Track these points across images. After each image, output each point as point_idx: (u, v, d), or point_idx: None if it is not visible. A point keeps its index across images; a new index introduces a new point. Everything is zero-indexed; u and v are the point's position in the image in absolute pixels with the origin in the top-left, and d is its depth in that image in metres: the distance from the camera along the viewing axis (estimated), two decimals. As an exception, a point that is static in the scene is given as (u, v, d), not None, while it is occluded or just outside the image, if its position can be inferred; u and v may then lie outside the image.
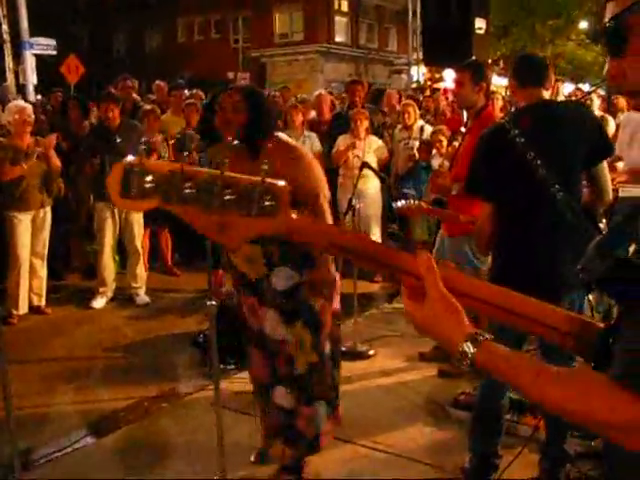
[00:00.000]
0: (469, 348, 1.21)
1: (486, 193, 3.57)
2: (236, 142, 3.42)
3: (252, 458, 3.90)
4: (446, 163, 5.32)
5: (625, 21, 1.16)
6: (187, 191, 1.26)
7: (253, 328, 3.63)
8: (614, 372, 1.07)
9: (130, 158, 1.28)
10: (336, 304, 3.57)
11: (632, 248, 1.21)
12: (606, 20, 1.20)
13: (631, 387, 1.05)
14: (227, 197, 1.27)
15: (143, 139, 7.17)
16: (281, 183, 1.30)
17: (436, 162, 7.05)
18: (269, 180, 1.28)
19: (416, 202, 4.71)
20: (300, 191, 3.38)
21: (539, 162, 3.27)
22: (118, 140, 6.85)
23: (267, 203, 1.28)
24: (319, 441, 3.63)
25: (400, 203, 4.68)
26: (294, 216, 1.31)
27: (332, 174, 7.71)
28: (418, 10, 25.98)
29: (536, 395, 1.19)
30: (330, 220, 3.49)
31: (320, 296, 3.48)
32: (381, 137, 8.17)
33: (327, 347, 3.54)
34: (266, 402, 3.69)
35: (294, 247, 3.29)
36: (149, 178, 1.27)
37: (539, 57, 3.86)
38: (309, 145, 7.69)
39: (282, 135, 3.56)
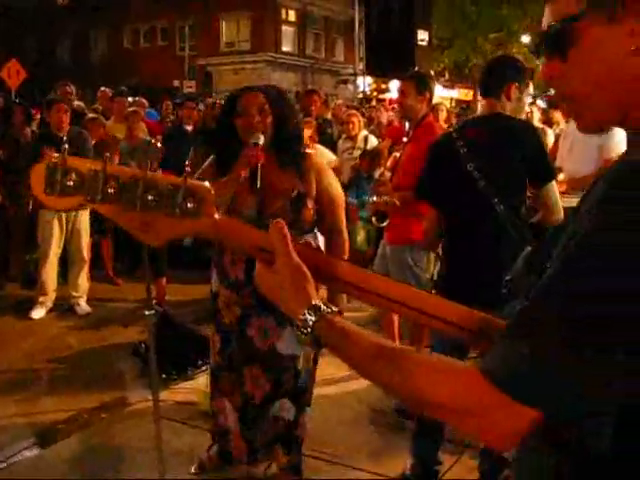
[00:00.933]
0: (311, 316, 1.20)
1: (432, 200, 3.66)
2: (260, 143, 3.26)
3: (192, 469, 3.87)
4: (387, 173, 5.37)
5: (574, 25, 1.13)
6: (110, 190, 1.26)
7: (260, 348, 3.49)
8: (484, 366, 1.05)
9: (54, 155, 1.28)
10: None
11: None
12: (547, 21, 1.18)
13: (498, 384, 1.03)
14: (150, 197, 1.27)
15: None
16: (205, 184, 1.30)
17: (378, 172, 7.10)
18: (192, 181, 1.28)
19: (386, 198, 4.74)
20: (327, 201, 3.47)
21: (479, 174, 3.34)
22: (65, 147, 6.73)
23: (190, 205, 1.28)
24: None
25: (372, 199, 4.78)
26: (217, 217, 1.31)
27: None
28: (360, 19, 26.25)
29: (370, 376, 1.18)
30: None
31: None
32: (334, 147, 8.20)
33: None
34: (260, 418, 3.60)
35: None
36: (72, 176, 1.27)
37: (506, 66, 3.70)
38: None
39: (312, 151, 3.58)
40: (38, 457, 4.19)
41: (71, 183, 1.27)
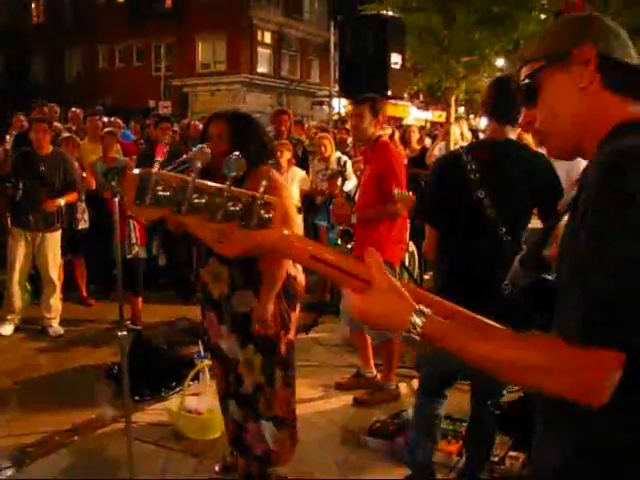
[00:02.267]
0: (418, 319, 1.32)
1: (435, 222, 3.63)
2: None
3: (217, 468, 3.98)
4: (342, 195, 5.48)
5: (536, 78, 1.54)
6: (196, 201, 1.34)
7: (212, 341, 3.74)
8: (572, 328, 1.25)
9: (145, 170, 1.33)
10: (291, 335, 3.66)
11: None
12: (522, 79, 1.58)
13: (587, 343, 1.23)
14: (231, 208, 1.35)
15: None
16: (277, 199, 1.41)
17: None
18: (266, 195, 1.38)
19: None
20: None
21: (489, 202, 3.28)
22: (42, 169, 6.74)
23: (266, 216, 1.38)
24: (270, 457, 3.69)
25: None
26: (286, 231, 1.42)
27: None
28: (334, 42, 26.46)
29: (481, 357, 1.32)
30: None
31: (276, 323, 3.56)
32: (305, 169, 8.26)
33: (278, 372, 3.63)
34: (224, 412, 3.80)
35: (258, 273, 3.44)
36: (163, 187, 1.33)
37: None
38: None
39: (265, 167, 3.52)
40: (8, 480, 4.15)
41: (161, 194, 1.33)
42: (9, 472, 4.23)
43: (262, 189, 1.37)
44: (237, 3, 32.29)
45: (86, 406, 5.16)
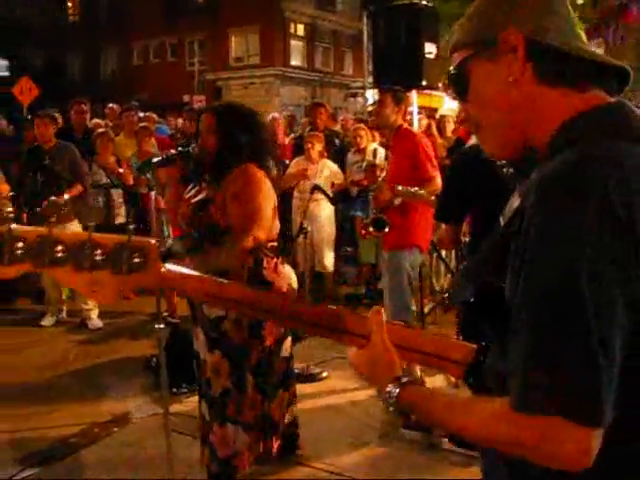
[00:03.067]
0: (394, 388, 1.34)
1: (457, 222, 3.60)
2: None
3: None
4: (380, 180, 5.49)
5: (464, 68, 1.35)
6: (59, 255, 1.34)
7: (193, 341, 3.75)
8: (511, 401, 1.13)
9: None
10: (268, 342, 3.60)
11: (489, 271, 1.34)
12: (450, 69, 1.39)
13: (528, 411, 1.11)
14: (97, 257, 1.36)
15: (96, 164, 7.14)
16: (150, 240, 1.41)
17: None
18: (136, 238, 1.38)
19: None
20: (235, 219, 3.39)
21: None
22: (47, 162, 6.81)
23: (136, 260, 1.38)
24: (231, 461, 3.63)
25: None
26: (164, 270, 1.43)
27: (287, 196, 7.76)
28: (367, 33, 26.30)
29: (448, 427, 1.31)
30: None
31: (242, 332, 3.52)
32: (342, 161, 8.24)
33: (249, 378, 3.59)
34: (199, 410, 3.80)
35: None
36: (20, 244, 1.33)
37: None
38: None
39: (251, 166, 3.48)
40: (49, 471, 4.21)
41: (19, 252, 1.33)
42: (49, 463, 4.29)
43: (129, 233, 1.38)
44: (269, -4, 32.33)
45: (125, 398, 5.23)
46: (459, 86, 1.38)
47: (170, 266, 1.45)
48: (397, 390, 1.34)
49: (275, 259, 3.60)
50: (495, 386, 1.26)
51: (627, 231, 1.08)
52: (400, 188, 4.80)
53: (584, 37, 1.32)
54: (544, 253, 1.10)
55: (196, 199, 3.53)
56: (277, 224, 3.68)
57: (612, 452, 1.11)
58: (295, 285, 3.79)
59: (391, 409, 1.35)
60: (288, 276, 3.70)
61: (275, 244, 3.66)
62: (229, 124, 3.48)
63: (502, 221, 1.37)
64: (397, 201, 4.89)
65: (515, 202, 1.33)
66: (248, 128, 3.54)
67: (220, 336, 3.52)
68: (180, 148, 3.46)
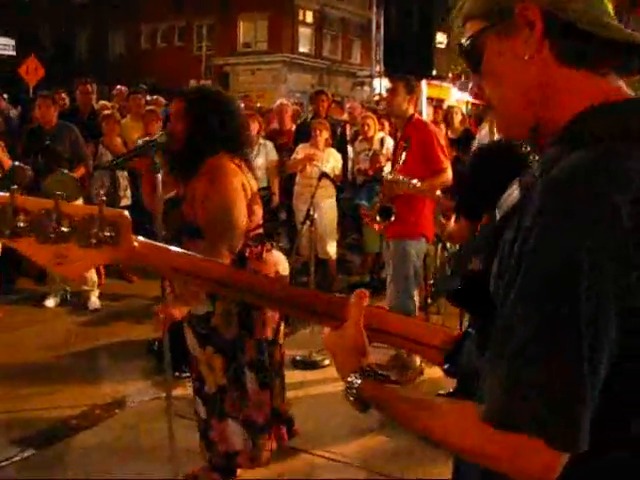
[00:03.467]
0: (355, 379, 1.30)
1: (475, 216, 3.57)
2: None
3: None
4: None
5: (478, 42, 1.25)
6: (20, 224, 1.24)
7: (186, 338, 3.66)
8: (482, 411, 1.09)
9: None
10: (260, 335, 3.49)
11: (477, 262, 1.30)
12: (464, 39, 1.28)
13: (504, 428, 1.06)
14: (64, 229, 1.26)
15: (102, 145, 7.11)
16: (122, 212, 1.31)
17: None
18: (108, 210, 1.28)
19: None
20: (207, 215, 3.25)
21: None
22: (47, 142, 6.79)
23: (107, 233, 1.28)
24: (234, 458, 3.60)
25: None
26: (136, 244, 1.34)
27: (289, 182, 7.75)
28: (382, 23, 26.21)
29: (412, 427, 1.24)
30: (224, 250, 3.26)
31: (232, 326, 3.43)
32: (345, 149, 8.22)
33: (249, 374, 3.51)
34: (195, 407, 3.72)
35: None
36: None
37: None
38: (264, 154, 7.71)
39: (224, 157, 3.33)
40: (49, 452, 4.21)
41: None
42: (50, 444, 4.29)
43: (100, 202, 1.27)
44: (279, -18, 32.20)
45: (126, 381, 5.23)
46: (472, 60, 1.28)
47: (143, 240, 1.37)
48: (358, 381, 1.30)
49: (259, 247, 3.45)
50: (469, 378, 1.25)
51: (633, 245, 1.01)
52: (401, 178, 4.78)
53: (611, 9, 1.20)
54: (543, 262, 1.04)
55: (168, 196, 3.39)
56: (259, 211, 3.50)
57: (591, 463, 1.08)
58: (286, 272, 3.64)
59: (351, 399, 1.32)
60: (276, 262, 3.54)
61: (260, 231, 3.52)
62: (199, 109, 3.30)
63: (497, 214, 1.30)
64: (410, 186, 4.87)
65: (514, 192, 1.26)
66: (220, 114, 3.35)
67: (210, 332, 3.44)
68: (154, 137, 3.31)
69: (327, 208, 7.47)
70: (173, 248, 1.42)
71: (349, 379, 1.31)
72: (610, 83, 1.19)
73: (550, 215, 1.04)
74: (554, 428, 1.03)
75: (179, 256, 1.41)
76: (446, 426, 1.16)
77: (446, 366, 1.38)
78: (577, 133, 1.13)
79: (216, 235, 3.23)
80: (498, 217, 1.29)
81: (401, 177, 4.82)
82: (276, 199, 7.87)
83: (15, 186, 1.27)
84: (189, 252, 1.44)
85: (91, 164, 7.27)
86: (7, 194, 1.24)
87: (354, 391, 1.30)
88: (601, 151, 1.07)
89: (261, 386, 3.56)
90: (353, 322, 1.35)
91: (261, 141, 7.87)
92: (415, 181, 4.74)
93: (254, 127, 7.77)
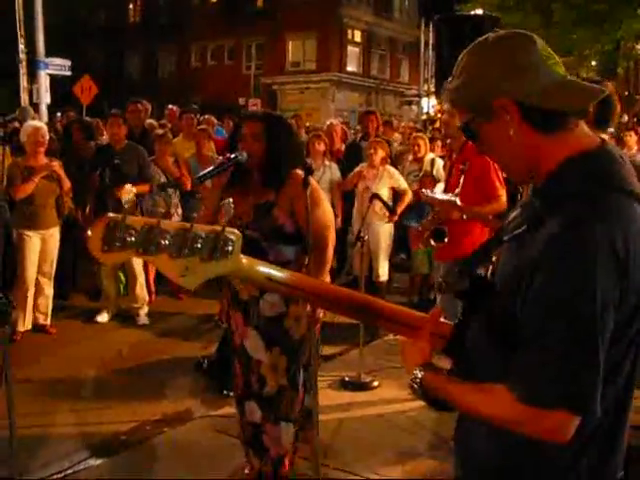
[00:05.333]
0: (419, 371, 1.64)
1: None
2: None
3: None
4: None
5: (470, 127, 1.62)
6: (162, 242, 1.47)
7: (236, 341, 3.71)
8: (518, 392, 1.43)
9: (111, 215, 1.47)
10: (316, 335, 3.68)
11: (488, 270, 1.68)
12: (459, 124, 1.72)
13: (538, 406, 1.41)
14: (195, 245, 1.49)
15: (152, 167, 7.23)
16: (237, 232, 1.53)
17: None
18: (228, 229, 1.51)
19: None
20: (313, 234, 3.46)
21: None
22: (116, 162, 6.89)
23: (226, 249, 1.51)
24: (283, 459, 3.69)
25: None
26: (245, 261, 1.59)
27: (349, 203, 7.71)
28: (431, 42, 26.17)
29: (463, 407, 1.61)
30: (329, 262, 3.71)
31: (302, 328, 3.60)
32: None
33: (301, 374, 3.67)
34: (241, 413, 3.76)
35: None
36: (130, 232, 1.47)
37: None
38: (329, 175, 7.70)
39: (299, 172, 3.57)
40: (99, 467, 4.26)
41: (129, 239, 1.47)
42: (99, 459, 4.34)
43: (224, 222, 1.51)
44: (328, 2, 32.43)
45: (176, 398, 5.26)
46: (470, 137, 1.65)
47: (246, 257, 1.60)
48: (422, 373, 1.62)
49: None
50: (470, 356, 1.63)
51: (624, 271, 1.40)
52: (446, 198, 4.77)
53: (560, 67, 1.57)
54: (562, 283, 1.40)
55: (259, 201, 3.58)
56: None
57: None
58: None
59: (414, 387, 1.64)
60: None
61: None
62: (276, 130, 3.60)
63: (504, 234, 1.64)
64: (464, 216, 4.81)
65: (517, 218, 1.62)
66: (292, 134, 3.79)
67: (282, 334, 3.58)
68: (234, 155, 3.52)
69: (379, 229, 7.37)
70: (264, 261, 1.69)
71: (415, 371, 1.64)
72: (576, 136, 1.55)
73: (559, 260, 1.41)
74: (579, 400, 1.40)
75: (270, 269, 1.69)
76: (489, 405, 1.50)
77: (448, 348, 1.70)
78: (556, 187, 1.51)
79: (325, 249, 3.66)
80: (505, 237, 1.62)
81: (446, 197, 4.79)
82: (339, 222, 7.66)
83: (162, 210, 1.51)
84: (277, 267, 1.70)
85: (154, 184, 7.39)
86: (155, 219, 1.51)
87: (418, 380, 1.63)
88: (584, 202, 1.44)
89: (303, 385, 3.70)
90: (424, 334, 1.69)
91: (326, 162, 7.85)
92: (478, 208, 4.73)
93: (320, 148, 7.77)
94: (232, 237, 1.51)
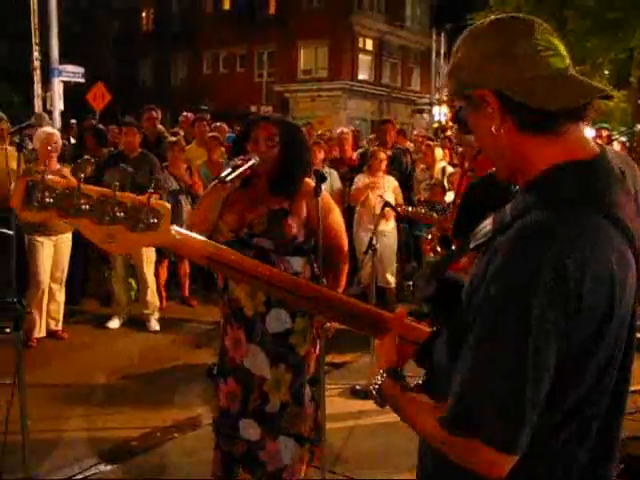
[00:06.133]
0: (381, 377, 1.57)
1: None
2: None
3: None
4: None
5: (461, 115, 1.52)
6: (83, 207, 1.50)
7: (235, 360, 3.51)
8: (442, 417, 1.35)
9: (31, 176, 1.51)
10: (318, 350, 3.59)
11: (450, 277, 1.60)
12: (449, 116, 1.83)
13: (455, 434, 1.33)
14: (118, 214, 1.51)
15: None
16: (166, 204, 1.56)
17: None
18: (155, 201, 1.53)
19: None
20: (326, 238, 3.47)
21: None
22: (129, 169, 6.91)
23: (152, 221, 1.53)
24: (281, 474, 3.55)
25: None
26: (173, 232, 1.59)
27: (349, 211, 7.74)
28: (442, 51, 26.19)
29: (409, 423, 1.51)
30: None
31: (307, 343, 3.50)
32: (411, 178, 8.20)
33: (307, 389, 3.54)
34: (232, 431, 3.55)
35: None
36: (49, 193, 1.49)
37: None
38: (329, 183, 7.71)
39: (309, 180, 3.52)
40: (109, 473, 4.27)
41: (47, 200, 1.49)
42: (110, 465, 4.35)
43: (149, 195, 1.54)
44: (339, 10, 32.47)
45: (187, 404, 5.26)
46: (462, 127, 1.57)
47: (182, 230, 1.62)
48: (381, 380, 1.56)
49: None
50: (437, 371, 1.54)
51: (576, 295, 1.25)
52: (410, 209, 4.80)
53: (560, 59, 1.39)
54: (503, 287, 1.29)
55: (272, 208, 3.49)
56: None
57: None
58: None
59: (373, 392, 1.57)
60: None
61: None
62: (290, 135, 3.50)
63: (472, 241, 1.51)
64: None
65: (487, 227, 1.46)
66: (304, 142, 3.72)
67: (287, 350, 3.47)
68: (249, 157, 3.41)
69: (388, 237, 7.43)
70: (206, 239, 1.69)
71: (377, 376, 1.57)
72: (568, 141, 1.38)
73: (508, 274, 1.29)
74: (498, 434, 1.29)
75: (212, 247, 1.67)
76: (424, 426, 1.44)
77: (418, 359, 1.64)
78: (533, 195, 1.36)
79: (341, 256, 3.70)
80: (471, 245, 1.50)
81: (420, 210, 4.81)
82: None
83: (82, 174, 1.56)
84: (220, 245, 1.71)
85: (165, 190, 7.42)
86: (75, 181, 1.51)
87: (376, 386, 1.56)
88: (552, 213, 1.29)
89: (311, 400, 3.57)
90: (391, 336, 1.65)
91: (326, 169, 7.89)
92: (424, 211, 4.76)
93: (319, 155, 7.78)
94: (160, 210, 1.54)
